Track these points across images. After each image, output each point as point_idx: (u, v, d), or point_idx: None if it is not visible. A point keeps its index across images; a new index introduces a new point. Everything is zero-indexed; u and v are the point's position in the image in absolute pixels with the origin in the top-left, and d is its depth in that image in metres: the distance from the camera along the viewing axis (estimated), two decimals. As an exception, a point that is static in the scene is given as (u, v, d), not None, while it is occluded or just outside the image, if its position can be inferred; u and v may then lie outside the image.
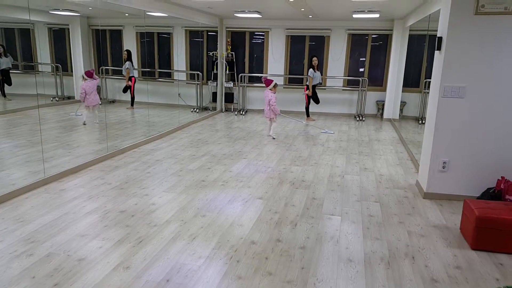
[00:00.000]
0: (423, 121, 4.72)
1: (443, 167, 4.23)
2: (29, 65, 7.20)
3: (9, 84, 6.74)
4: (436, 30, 4.41)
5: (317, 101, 9.29)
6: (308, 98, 9.24)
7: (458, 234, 3.49)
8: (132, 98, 8.59)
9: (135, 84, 8.51)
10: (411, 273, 2.82)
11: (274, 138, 7.25)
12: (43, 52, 7.58)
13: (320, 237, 3.34)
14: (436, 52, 4.26)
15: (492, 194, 3.91)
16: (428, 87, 4.57)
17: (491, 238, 3.15)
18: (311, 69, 8.97)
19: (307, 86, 9.11)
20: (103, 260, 2.87)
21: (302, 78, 10.28)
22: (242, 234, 3.36)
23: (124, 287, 2.53)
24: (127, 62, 8.25)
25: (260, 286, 2.60)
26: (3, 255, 2.91)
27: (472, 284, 2.70)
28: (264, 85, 7.53)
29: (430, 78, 4.50)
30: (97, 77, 7.34)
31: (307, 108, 9.42)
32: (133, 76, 8.38)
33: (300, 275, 2.75)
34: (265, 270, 2.80)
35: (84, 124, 7.51)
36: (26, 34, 6.99)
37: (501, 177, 3.95)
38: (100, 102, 7.47)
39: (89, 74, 7.14)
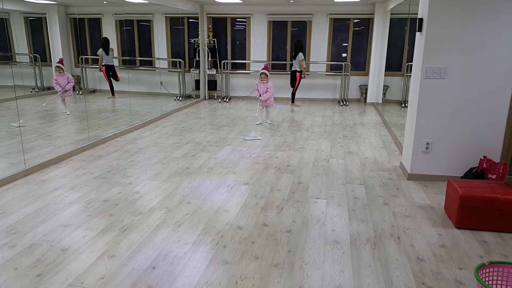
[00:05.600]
0: (406, 105, 4.75)
1: (426, 148, 4.27)
2: (5, 56, 6.98)
3: None
4: (417, 14, 4.40)
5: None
6: (299, 82, 9.21)
7: (443, 214, 3.53)
8: (111, 87, 8.38)
9: (111, 73, 8.27)
10: (397, 253, 2.84)
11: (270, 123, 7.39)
12: (20, 42, 7.34)
13: (306, 221, 3.34)
14: (417, 33, 4.26)
15: (475, 174, 3.96)
16: (410, 70, 4.58)
17: (475, 216, 3.19)
18: (300, 53, 8.96)
19: (300, 72, 9.05)
20: (87, 249, 2.82)
21: (285, 64, 10.24)
22: (228, 220, 3.34)
23: (110, 276, 2.49)
24: (99, 49, 8.06)
25: (247, 270, 2.59)
26: (-17, 248, 2.84)
27: (457, 262, 2.74)
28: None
29: (412, 62, 4.51)
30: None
31: (293, 94, 9.39)
32: (104, 65, 8.15)
33: (287, 258, 2.75)
34: (251, 254, 2.79)
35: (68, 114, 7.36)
36: (0, 24, 6.76)
37: (483, 156, 4.01)
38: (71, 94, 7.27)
39: (61, 62, 6.97)
